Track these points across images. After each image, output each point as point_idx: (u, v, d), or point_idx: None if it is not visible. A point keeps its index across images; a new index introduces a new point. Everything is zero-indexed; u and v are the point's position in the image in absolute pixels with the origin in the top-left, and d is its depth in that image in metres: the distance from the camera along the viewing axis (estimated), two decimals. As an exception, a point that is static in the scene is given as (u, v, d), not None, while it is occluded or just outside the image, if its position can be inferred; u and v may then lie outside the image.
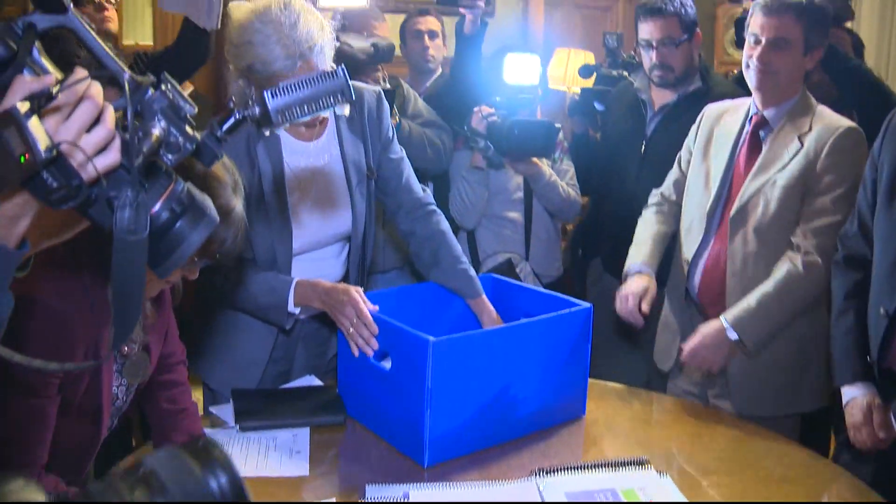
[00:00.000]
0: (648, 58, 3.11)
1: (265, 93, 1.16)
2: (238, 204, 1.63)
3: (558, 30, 6.48)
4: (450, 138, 3.33)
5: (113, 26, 3.41)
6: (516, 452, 2.08)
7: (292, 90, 1.17)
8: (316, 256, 2.43)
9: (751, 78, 2.56)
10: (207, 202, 1.10)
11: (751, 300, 2.46)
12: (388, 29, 3.42)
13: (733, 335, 2.45)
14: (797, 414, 2.65)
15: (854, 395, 2.18)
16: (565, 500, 1.76)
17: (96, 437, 1.70)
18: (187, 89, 4.09)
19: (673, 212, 2.84)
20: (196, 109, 1.07)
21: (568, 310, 2.23)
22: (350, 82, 1.19)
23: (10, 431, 1.51)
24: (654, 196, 2.91)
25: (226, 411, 2.27)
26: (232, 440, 2.11)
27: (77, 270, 1.51)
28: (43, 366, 1.08)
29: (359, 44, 2.86)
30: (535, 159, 3.24)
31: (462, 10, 3.25)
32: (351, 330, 2.13)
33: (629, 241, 3.12)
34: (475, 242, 3.39)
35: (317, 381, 2.45)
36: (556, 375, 2.20)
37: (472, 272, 2.48)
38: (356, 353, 2.14)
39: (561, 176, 3.35)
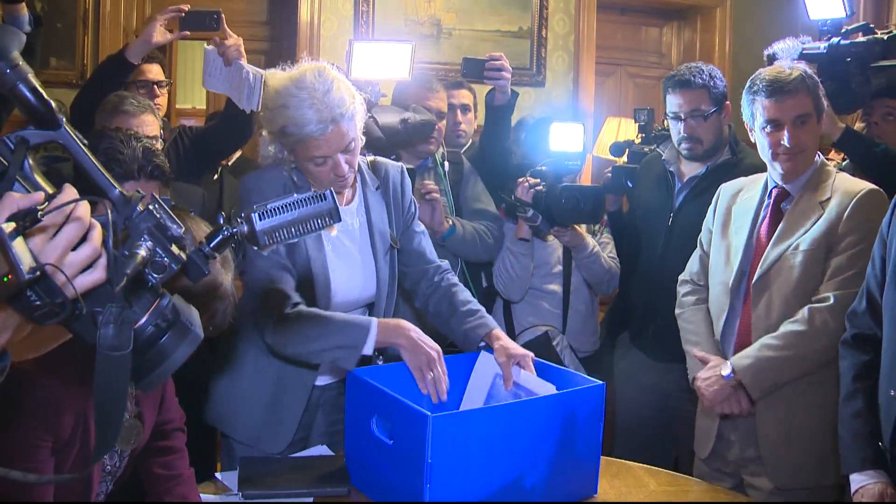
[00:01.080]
0: (676, 130, 3.09)
1: (253, 214, 1.19)
2: (227, 279, 1.65)
3: (610, 98, 6.49)
4: (500, 228, 3.31)
5: (161, 110, 3.48)
6: (519, 532, 2.04)
7: (280, 212, 1.20)
8: None
9: (780, 163, 2.56)
10: (193, 316, 1.11)
11: (754, 348, 2.48)
12: (444, 99, 3.39)
13: (727, 371, 2.48)
14: (836, 484, 2.56)
15: (864, 483, 2.07)
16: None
17: (86, 499, 1.71)
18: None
19: (706, 295, 2.80)
20: (182, 229, 1.09)
21: (577, 387, 2.20)
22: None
23: (11, 498, 1.52)
24: (686, 284, 2.87)
25: (231, 478, 2.26)
26: (233, 508, 2.11)
27: (65, 343, 1.53)
28: (38, 480, 1.10)
29: (387, 119, 2.87)
30: (579, 229, 3.23)
31: (487, 83, 3.28)
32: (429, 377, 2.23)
33: (656, 314, 3.10)
34: (511, 314, 3.36)
35: (328, 452, 2.44)
36: (564, 453, 2.15)
37: (483, 311, 2.51)
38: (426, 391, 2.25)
39: (601, 248, 3.33)
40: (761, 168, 2.92)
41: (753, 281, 2.56)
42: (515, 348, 2.35)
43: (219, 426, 2.59)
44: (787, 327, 2.47)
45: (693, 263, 2.86)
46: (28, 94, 1.03)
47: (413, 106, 3.09)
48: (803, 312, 2.46)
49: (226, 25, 3.18)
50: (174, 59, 5.32)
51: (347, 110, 2.20)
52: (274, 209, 1.19)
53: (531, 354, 2.34)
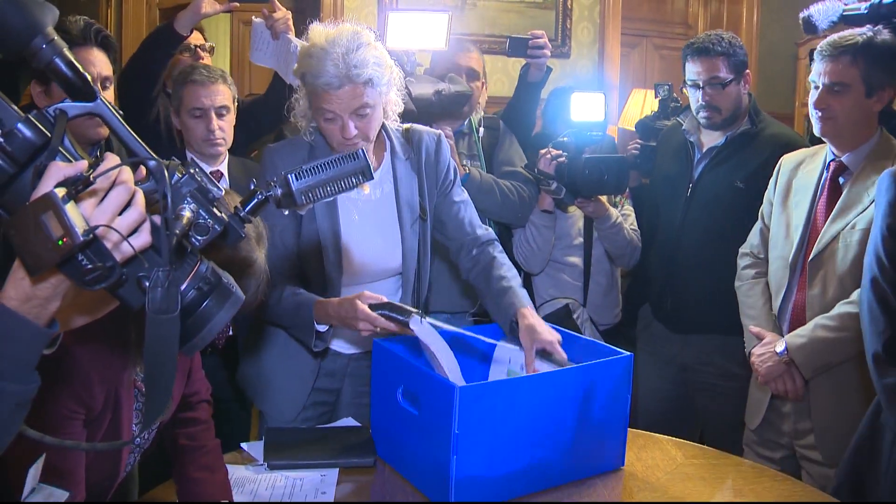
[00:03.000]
0: (695, 98, 3.05)
1: (289, 175, 1.20)
2: (260, 255, 1.65)
3: (635, 70, 6.43)
4: (531, 191, 3.24)
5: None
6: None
7: (315, 172, 1.22)
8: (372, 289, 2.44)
9: (814, 124, 2.52)
10: (232, 280, 1.11)
11: (809, 325, 2.47)
12: (479, 60, 3.36)
13: (781, 349, 2.48)
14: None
15: None
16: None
17: (115, 474, 1.71)
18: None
19: (766, 269, 2.78)
20: (223, 192, 1.10)
21: (606, 357, 2.17)
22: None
23: (47, 471, 1.53)
24: (746, 257, 2.86)
25: (257, 448, 2.26)
26: (259, 478, 2.11)
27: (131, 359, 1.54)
28: (75, 446, 1.11)
29: (421, 90, 2.84)
30: (602, 199, 3.20)
31: (529, 60, 3.26)
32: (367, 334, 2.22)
33: (675, 285, 3.08)
34: (532, 287, 3.34)
35: (355, 423, 2.44)
36: (592, 425, 2.14)
37: (517, 287, 2.45)
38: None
39: (623, 220, 3.30)
40: (782, 139, 2.92)
41: (810, 259, 2.53)
42: (542, 332, 2.28)
43: (246, 390, 2.65)
44: (841, 308, 2.44)
45: (753, 236, 2.84)
46: (65, 68, 1.05)
47: (449, 76, 3.06)
48: (859, 293, 2.41)
49: (277, 1, 3.16)
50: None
51: (367, 73, 2.18)
52: (308, 170, 1.21)
53: (558, 337, 2.28)
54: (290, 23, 3.05)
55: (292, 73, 2.77)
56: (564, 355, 2.24)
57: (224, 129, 2.91)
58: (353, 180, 1.25)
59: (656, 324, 3.26)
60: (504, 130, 3.37)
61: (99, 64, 2.56)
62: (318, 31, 2.25)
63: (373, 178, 1.29)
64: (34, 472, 1.14)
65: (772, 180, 2.78)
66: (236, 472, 2.04)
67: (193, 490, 1.90)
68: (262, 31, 3.07)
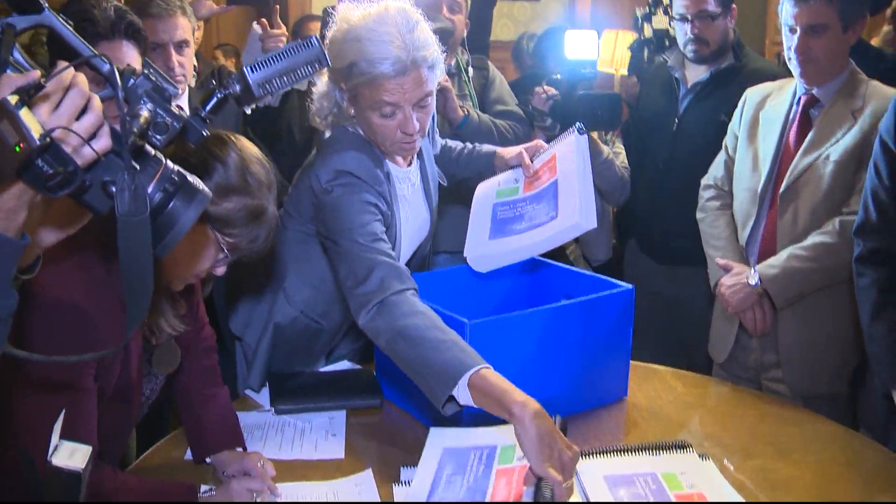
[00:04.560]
0: (683, 32, 3.04)
1: (244, 68, 1.18)
2: (271, 205, 1.61)
3: (606, 11, 6.39)
4: (524, 128, 3.25)
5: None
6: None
7: (270, 63, 1.19)
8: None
9: (794, 66, 2.52)
10: (198, 180, 1.10)
11: (782, 256, 2.47)
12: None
13: (754, 280, 2.47)
14: (850, 393, 2.59)
15: None
16: (604, 484, 1.71)
17: (126, 426, 1.69)
18: None
19: (730, 200, 2.77)
20: (179, 90, 1.09)
21: (609, 291, 2.18)
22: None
23: (63, 426, 1.51)
24: (709, 189, 2.85)
25: (261, 395, 2.26)
26: (267, 423, 2.10)
27: (105, 267, 1.50)
28: (62, 360, 1.09)
29: None
30: (595, 135, 3.19)
31: None
32: None
33: (662, 220, 3.10)
34: None
35: (355, 366, 2.43)
36: (596, 357, 2.15)
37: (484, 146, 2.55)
38: None
39: (614, 157, 3.30)
40: (765, 73, 2.91)
41: (781, 190, 2.52)
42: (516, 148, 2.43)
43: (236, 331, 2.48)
44: (815, 238, 2.45)
45: (717, 168, 2.83)
46: None
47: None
48: (833, 224, 2.44)
49: (278, 17, 3.06)
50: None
51: (430, 56, 1.96)
52: (264, 61, 1.19)
53: (538, 142, 2.42)
54: (283, 41, 2.95)
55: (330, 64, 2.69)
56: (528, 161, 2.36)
57: (184, 64, 2.74)
58: (309, 69, 1.21)
59: (643, 257, 3.28)
60: (493, 70, 3.33)
61: (128, 58, 2.35)
62: (355, 12, 1.98)
63: (329, 64, 1.27)
64: (56, 428, 1.13)
65: (736, 112, 2.77)
66: (244, 420, 2.02)
67: (206, 438, 1.88)
68: (256, 41, 2.97)
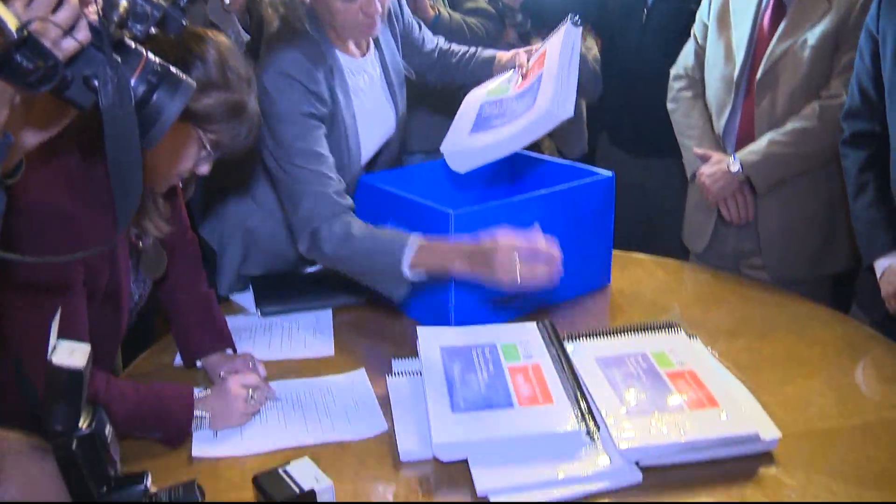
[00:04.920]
0: None
1: None
2: (252, 100, 1.57)
3: None
4: (496, 26, 3.21)
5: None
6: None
7: None
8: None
9: None
10: (180, 72, 1.06)
11: (762, 142, 2.46)
12: None
13: (735, 167, 2.47)
14: (829, 277, 2.61)
15: (890, 264, 2.09)
16: (596, 365, 1.73)
17: (117, 332, 1.67)
18: None
19: (702, 89, 2.75)
20: None
21: (590, 178, 2.17)
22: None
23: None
24: (680, 79, 2.80)
25: (245, 298, 2.24)
26: (254, 326, 2.10)
27: (86, 169, 1.46)
28: (53, 259, 1.07)
29: None
30: None
31: None
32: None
33: (633, 111, 3.09)
34: None
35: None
36: (580, 244, 2.16)
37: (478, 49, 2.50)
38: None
39: (586, 52, 3.26)
40: None
41: (758, 77, 2.49)
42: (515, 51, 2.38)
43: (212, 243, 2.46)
44: (795, 123, 2.44)
45: (686, 57, 2.78)
46: None
47: None
48: (813, 108, 2.42)
49: None
50: None
51: None
52: None
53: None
54: None
55: None
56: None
57: None
58: None
59: (615, 150, 3.27)
60: None
61: None
62: None
63: None
64: (54, 328, 1.11)
65: (704, 1, 2.73)
66: (230, 324, 1.99)
67: (196, 341, 1.87)
68: None
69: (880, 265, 2.12)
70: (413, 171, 2.34)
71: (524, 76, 2.25)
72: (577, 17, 2.24)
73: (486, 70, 2.42)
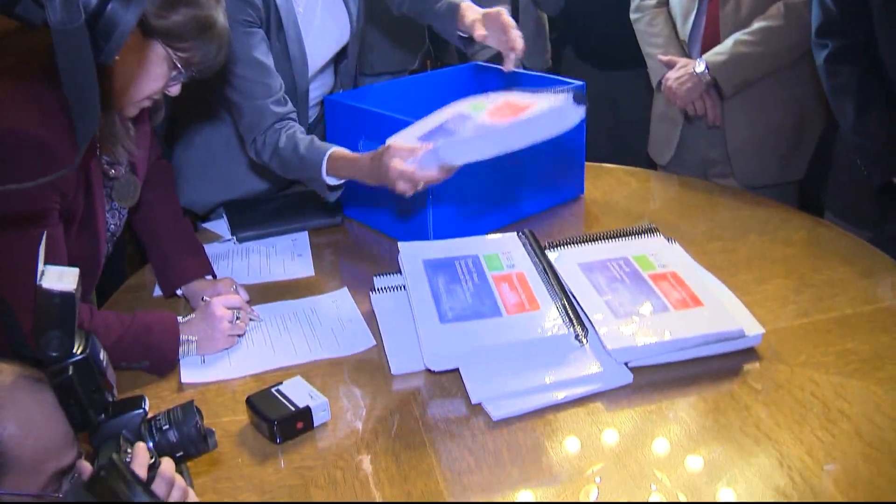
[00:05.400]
0: None
1: None
2: (220, 16, 1.52)
3: None
4: None
5: None
6: (521, 234, 2.06)
7: None
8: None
9: None
10: None
11: (728, 43, 2.44)
12: None
13: (701, 68, 2.44)
14: (796, 183, 2.63)
15: None
16: (579, 271, 1.74)
17: (95, 263, 1.63)
18: None
19: None
20: None
21: (561, 88, 2.15)
22: None
23: (30, 264, 1.45)
24: None
25: (219, 225, 2.22)
26: (230, 252, 2.08)
27: (55, 96, 1.41)
28: (18, 187, 1.04)
29: None
30: None
31: None
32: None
33: (598, 23, 3.08)
34: None
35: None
36: (554, 154, 2.16)
37: None
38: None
39: None
40: None
41: None
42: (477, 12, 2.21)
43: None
44: (760, 23, 2.41)
45: None
46: None
47: None
48: (778, 7, 2.40)
49: None
50: None
51: None
52: None
53: (500, 11, 2.19)
54: None
55: None
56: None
57: None
58: None
59: (580, 63, 3.25)
60: None
61: None
62: None
63: None
64: (41, 253, 1.08)
65: None
66: (206, 251, 1.98)
67: (175, 269, 1.84)
68: None
69: None
70: (379, 89, 2.29)
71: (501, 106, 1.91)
72: (582, 94, 1.82)
73: (450, 20, 2.26)
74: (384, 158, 1.68)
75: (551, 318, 1.58)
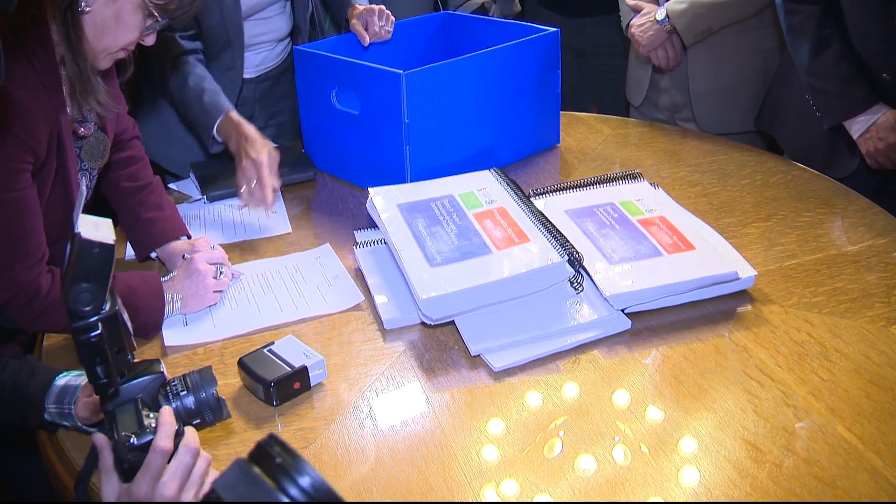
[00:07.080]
0: None
1: None
2: None
3: None
4: None
5: None
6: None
7: None
8: (259, 16, 2.24)
9: None
10: None
11: None
12: None
13: (661, 16, 2.41)
14: (758, 130, 2.64)
15: (874, 120, 2.05)
16: (567, 217, 1.71)
17: (69, 226, 1.56)
18: None
19: None
20: None
21: (535, 35, 2.11)
22: None
23: (3, 230, 1.38)
24: None
25: (187, 185, 2.14)
26: (202, 212, 2.01)
27: (21, 53, 1.33)
28: None
29: None
30: None
31: None
32: (243, 189, 1.92)
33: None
34: None
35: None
36: (528, 103, 2.12)
37: None
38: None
39: None
40: None
41: None
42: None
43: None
44: None
45: None
46: None
47: None
48: None
49: None
50: None
51: None
52: None
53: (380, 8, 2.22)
54: None
55: None
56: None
57: None
58: None
59: (545, 11, 3.20)
60: None
61: None
62: None
63: None
64: (81, 198, 1.02)
65: None
66: (177, 211, 1.91)
67: (149, 232, 1.76)
68: None
69: (860, 122, 2.08)
70: (348, 38, 2.23)
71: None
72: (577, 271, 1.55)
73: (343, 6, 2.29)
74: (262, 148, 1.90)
75: (543, 248, 1.52)
